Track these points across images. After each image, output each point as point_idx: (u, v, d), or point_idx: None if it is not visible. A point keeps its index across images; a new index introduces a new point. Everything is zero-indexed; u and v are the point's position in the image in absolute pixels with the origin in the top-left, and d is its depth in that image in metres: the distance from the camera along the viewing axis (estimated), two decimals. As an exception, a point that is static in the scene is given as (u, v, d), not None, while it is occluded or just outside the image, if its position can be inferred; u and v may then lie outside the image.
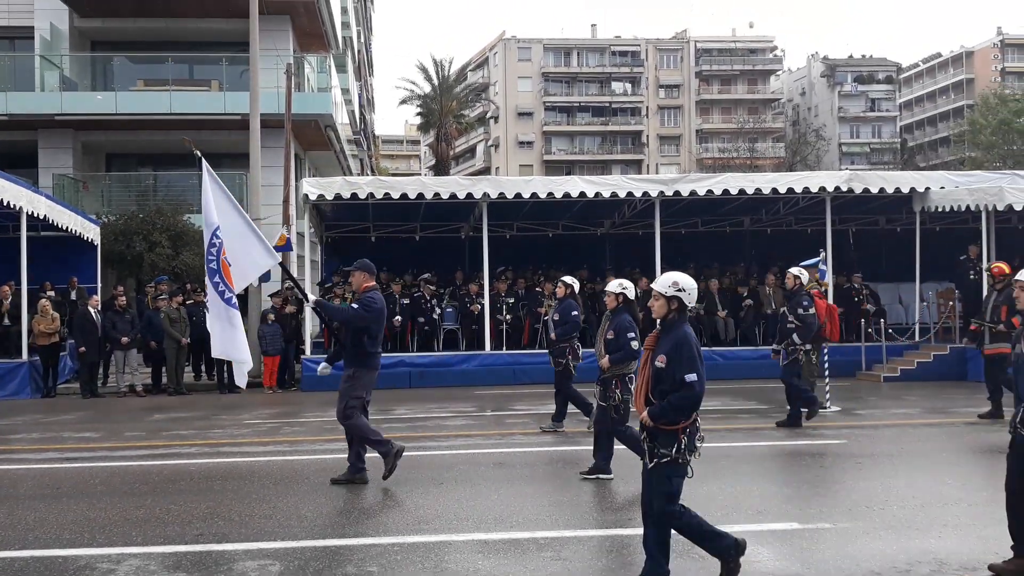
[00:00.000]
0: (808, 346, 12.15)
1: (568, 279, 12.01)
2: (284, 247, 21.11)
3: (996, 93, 69.20)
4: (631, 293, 9.03)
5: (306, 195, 17.34)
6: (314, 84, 31.16)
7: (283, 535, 7.02)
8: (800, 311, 12.04)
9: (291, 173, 23.67)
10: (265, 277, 19.59)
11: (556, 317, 11.76)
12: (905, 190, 18.25)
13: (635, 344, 8.52)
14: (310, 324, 18.88)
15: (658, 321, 5.71)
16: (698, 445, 5.52)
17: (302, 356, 18.19)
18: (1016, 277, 5.90)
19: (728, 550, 5.55)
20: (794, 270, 12.42)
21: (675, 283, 5.63)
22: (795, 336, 12.01)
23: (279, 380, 18.10)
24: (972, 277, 17.59)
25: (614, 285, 9.16)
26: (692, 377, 5.38)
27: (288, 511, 7.81)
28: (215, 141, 27.15)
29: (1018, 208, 16.42)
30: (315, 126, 27.55)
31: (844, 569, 5.92)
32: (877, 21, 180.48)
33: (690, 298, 5.63)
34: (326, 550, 6.61)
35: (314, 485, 8.92)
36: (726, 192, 17.92)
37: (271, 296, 19.12)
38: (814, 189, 18.13)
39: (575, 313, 11.59)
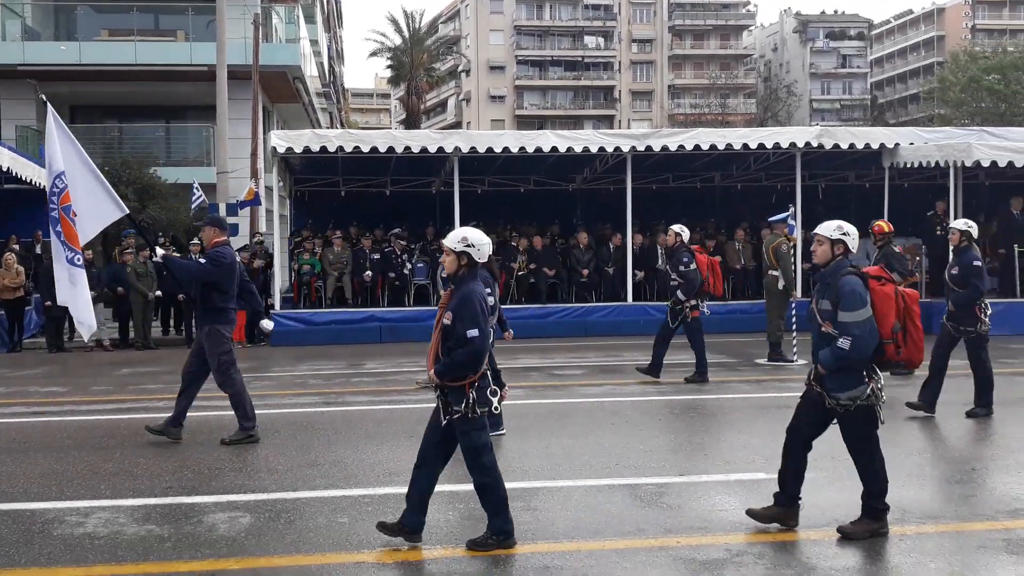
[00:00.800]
0: (693, 301, 11.90)
1: (677, 228, 12.14)
2: (252, 201, 21.02)
3: (966, 50, 69.43)
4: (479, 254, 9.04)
5: (274, 148, 17.12)
6: (282, 35, 30.70)
7: (253, 487, 7.03)
8: (681, 268, 11.87)
9: (259, 126, 23.40)
10: (232, 231, 19.44)
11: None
12: (875, 146, 18.33)
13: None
14: (279, 279, 18.76)
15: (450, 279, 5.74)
16: (492, 400, 5.52)
17: (271, 311, 18.08)
18: (815, 231, 5.91)
19: (498, 532, 5.56)
20: (675, 227, 12.19)
21: (464, 239, 5.65)
22: (679, 293, 11.87)
23: (248, 334, 18.00)
24: (939, 233, 17.75)
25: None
26: (473, 332, 5.39)
27: (258, 464, 7.82)
28: (181, 93, 26.74)
29: (986, 164, 16.56)
30: (283, 78, 27.18)
31: (809, 517, 6.03)
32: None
33: (480, 253, 5.63)
34: (297, 502, 6.63)
35: (284, 438, 8.92)
36: (697, 148, 17.92)
37: (239, 250, 18.91)
38: (784, 144, 18.17)
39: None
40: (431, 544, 5.66)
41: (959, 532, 5.81)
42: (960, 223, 9.93)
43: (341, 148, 17.08)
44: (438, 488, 5.81)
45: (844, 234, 5.80)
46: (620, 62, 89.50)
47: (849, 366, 5.65)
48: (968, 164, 16.59)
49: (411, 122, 61.19)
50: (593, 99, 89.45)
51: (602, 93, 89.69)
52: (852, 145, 18.17)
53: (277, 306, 18.04)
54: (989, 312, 9.44)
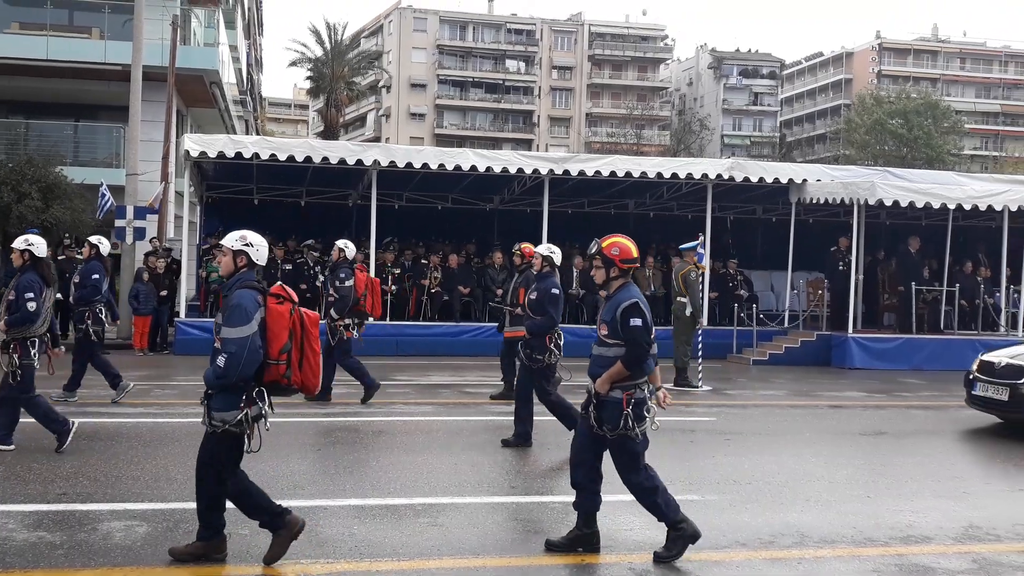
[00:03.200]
0: (347, 320, 11.42)
1: (340, 243, 11.56)
2: (152, 209, 20.43)
3: (872, 94, 72.20)
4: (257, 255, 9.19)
5: (187, 151, 16.76)
6: (201, 39, 30.12)
7: (151, 496, 6.83)
8: (338, 283, 11.43)
9: (172, 129, 22.87)
10: (140, 234, 18.93)
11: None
12: (783, 180, 18.88)
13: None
14: (186, 286, 18.33)
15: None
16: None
17: (176, 318, 17.64)
18: (221, 241, 5.62)
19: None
20: (340, 242, 11.71)
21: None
22: (332, 311, 11.42)
23: (151, 342, 17.53)
24: (841, 268, 18.38)
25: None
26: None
27: (157, 473, 7.60)
28: (94, 91, 25.98)
29: (888, 203, 17.20)
30: (200, 82, 26.62)
31: (711, 539, 6.13)
32: (764, 17, 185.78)
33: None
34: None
35: (185, 447, 8.67)
36: (613, 174, 18.19)
37: (146, 254, 18.45)
38: (697, 175, 18.58)
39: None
40: (335, 557, 5.57)
41: (854, 556, 5.98)
42: (543, 248, 9.61)
43: (257, 155, 16.82)
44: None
45: (247, 244, 5.50)
46: (540, 87, 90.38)
47: (226, 385, 5.25)
48: (871, 202, 17.20)
49: (329, 135, 60.58)
50: (512, 122, 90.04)
51: (521, 117, 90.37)
52: (762, 179, 18.68)
53: (183, 314, 17.61)
54: (561, 343, 9.09)
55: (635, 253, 5.98)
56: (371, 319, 12.35)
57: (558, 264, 9.54)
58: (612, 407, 5.67)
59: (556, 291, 9.14)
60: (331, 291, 11.58)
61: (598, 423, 5.73)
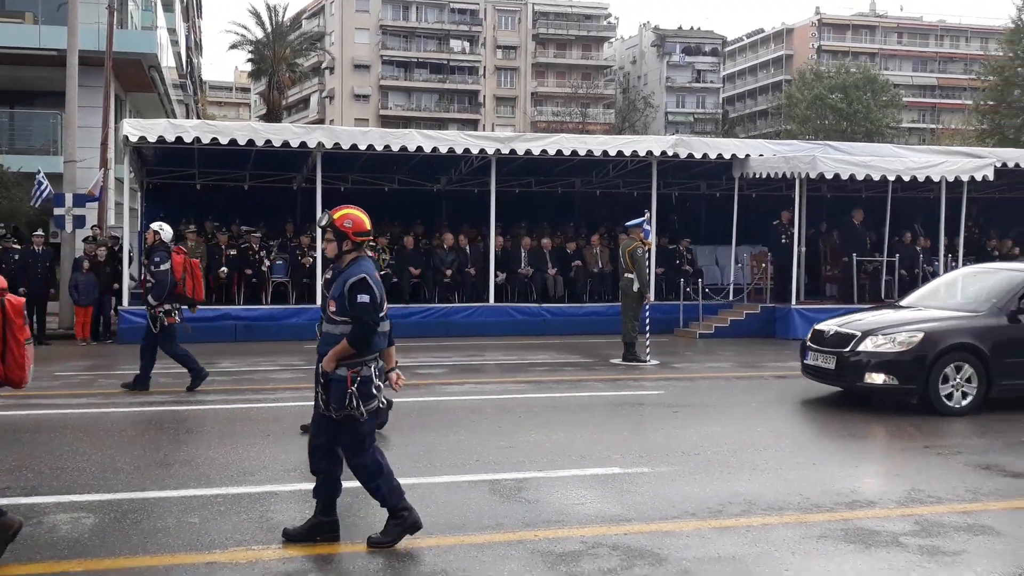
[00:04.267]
0: (167, 306, 10.94)
1: (156, 225, 11.15)
2: (93, 197, 20.02)
3: (812, 70, 73.14)
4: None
5: (126, 137, 16.42)
6: (138, 22, 29.52)
7: (98, 487, 6.73)
8: (153, 268, 10.94)
9: (110, 114, 22.37)
10: (79, 223, 18.55)
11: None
12: (727, 156, 19.07)
13: None
14: (128, 274, 18.01)
15: None
16: None
17: (119, 307, 17.34)
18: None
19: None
20: (154, 225, 11.20)
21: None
22: (149, 296, 10.98)
23: (93, 332, 17.22)
24: (784, 241, 18.67)
25: None
26: None
27: (103, 463, 7.49)
28: (28, 77, 25.36)
29: (829, 176, 17.48)
30: (138, 66, 26.07)
31: (661, 510, 6.22)
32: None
33: (166, 234, 5.36)
34: (145, 502, 6.39)
35: (130, 437, 8.59)
36: (559, 153, 18.21)
37: (84, 241, 18.08)
38: (642, 153, 18.68)
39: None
40: (282, 543, 5.55)
41: (801, 522, 6.10)
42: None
43: (198, 139, 16.55)
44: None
45: None
46: (485, 67, 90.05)
47: None
48: (812, 176, 17.46)
49: (272, 117, 59.71)
50: (458, 102, 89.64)
51: (467, 97, 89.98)
52: (705, 155, 18.86)
53: (125, 302, 17.31)
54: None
55: (368, 226, 5.70)
56: (197, 305, 11.78)
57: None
58: (337, 386, 5.47)
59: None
60: (148, 276, 11.15)
61: (325, 403, 5.55)
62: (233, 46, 63.50)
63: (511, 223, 20.77)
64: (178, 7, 42.74)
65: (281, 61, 60.46)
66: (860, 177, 17.64)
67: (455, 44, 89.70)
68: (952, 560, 5.39)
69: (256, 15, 62.01)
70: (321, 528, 5.59)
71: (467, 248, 19.35)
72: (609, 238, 20.54)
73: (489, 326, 17.96)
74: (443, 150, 17.64)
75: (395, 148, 17.39)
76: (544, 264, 19.65)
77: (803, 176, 17.57)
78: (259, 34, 62.06)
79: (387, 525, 5.56)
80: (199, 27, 62.54)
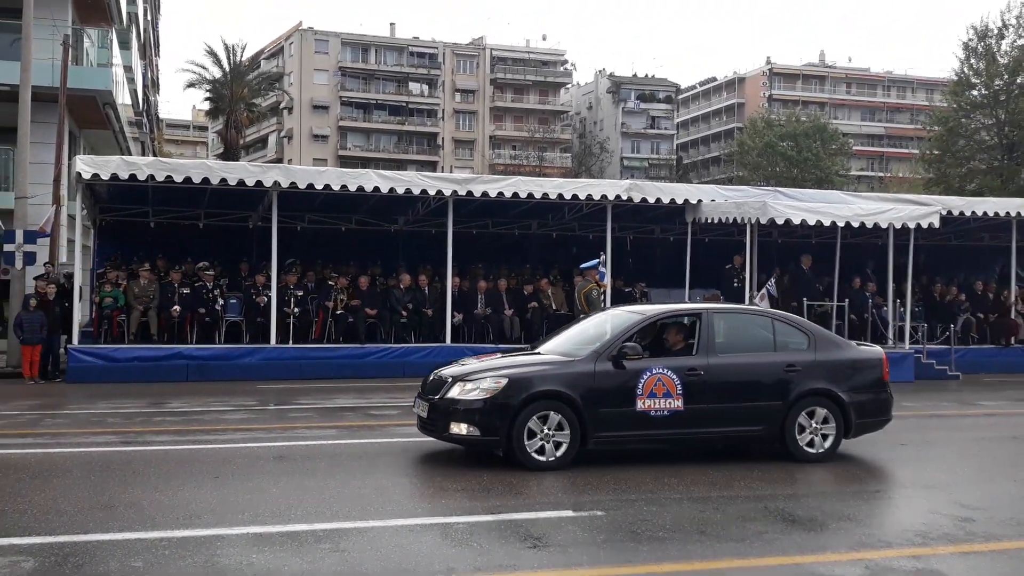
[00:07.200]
0: None
1: None
2: (44, 233, 19.75)
3: (763, 118, 74.60)
4: None
5: (79, 173, 16.25)
6: (94, 59, 29.24)
7: (39, 530, 6.57)
8: None
9: (64, 150, 22.12)
10: (30, 259, 18.26)
11: None
12: (680, 201, 19.33)
13: None
14: (79, 312, 17.73)
15: None
16: None
17: (69, 346, 17.03)
18: None
19: None
20: None
21: None
22: None
23: (42, 370, 16.87)
24: (735, 285, 18.91)
25: None
26: None
27: (45, 505, 7.32)
28: (-21, 112, 25.04)
29: (780, 222, 17.77)
30: (93, 103, 25.84)
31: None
32: (660, 41, 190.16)
33: None
34: (87, 545, 6.25)
35: (76, 479, 8.41)
36: (516, 195, 18.32)
37: (36, 279, 17.78)
38: (597, 196, 18.88)
39: None
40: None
41: (754, 567, 6.12)
42: None
43: (152, 177, 16.43)
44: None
45: None
46: (444, 110, 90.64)
47: None
48: (763, 221, 17.75)
49: (230, 156, 59.41)
50: (417, 144, 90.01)
51: (426, 139, 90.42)
52: (659, 200, 19.10)
53: (75, 340, 17.02)
54: None
55: None
56: None
57: None
58: None
59: None
60: None
61: None
62: (190, 84, 63.30)
63: (468, 264, 20.81)
64: (135, 45, 42.53)
65: (239, 100, 60.38)
66: (811, 223, 17.95)
67: (414, 87, 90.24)
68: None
69: (213, 55, 61.98)
70: None
71: (425, 288, 19.34)
72: (564, 279, 20.66)
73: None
74: (400, 190, 17.68)
75: (352, 188, 17.40)
76: (501, 305, 19.69)
77: (754, 221, 17.85)
78: (217, 73, 61.98)
79: None
80: (156, 65, 62.28)
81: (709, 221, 19.20)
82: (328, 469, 9.04)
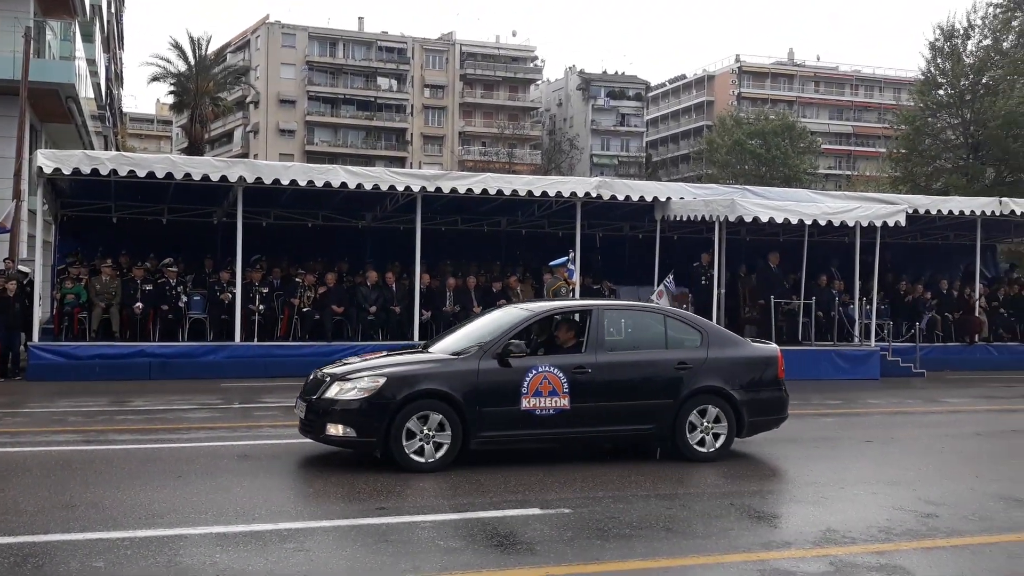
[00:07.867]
0: None
1: None
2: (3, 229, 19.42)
3: (732, 116, 74.98)
4: None
5: (40, 168, 15.99)
6: (56, 52, 28.84)
7: (-3, 531, 6.44)
8: None
9: (25, 144, 21.78)
10: (-11, 255, 17.93)
11: None
12: (648, 198, 19.37)
13: None
14: (39, 309, 17.44)
15: None
16: None
17: (29, 343, 16.75)
18: None
19: None
20: None
21: None
22: None
23: (1, 368, 16.58)
24: (703, 282, 19.00)
25: None
26: None
27: (5, 505, 7.17)
28: (-64, 104, 24.56)
29: (748, 220, 17.84)
30: (55, 96, 25.47)
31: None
32: (631, 40, 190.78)
33: None
34: (47, 545, 6.13)
35: (36, 478, 8.25)
36: (485, 192, 18.25)
37: (-6, 275, 17.45)
38: (566, 193, 18.86)
39: None
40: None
41: (718, 563, 6.13)
42: None
43: (115, 172, 16.19)
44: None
45: None
46: (413, 105, 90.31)
47: None
48: (731, 219, 17.81)
49: (194, 151, 58.69)
50: (385, 140, 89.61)
51: (394, 135, 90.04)
52: (628, 197, 19.13)
53: (35, 338, 16.73)
54: None
55: None
56: None
57: None
58: None
59: None
60: None
61: None
62: (155, 78, 62.51)
63: (437, 261, 20.72)
64: (98, 38, 41.95)
65: (204, 94, 59.72)
66: (778, 221, 18.04)
67: (383, 82, 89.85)
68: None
69: (178, 48, 61.23)
70: None
71: (392, 286, 19.22)
72: (533, 277, 20.63)
73: (412, 364, 17.83)
74: (368, 186, 17.56)
75: (319, 184, 17.25)
76: (470, 302, 19.62)
77: (723, 219, 17.92)
78: (182, 67, 61.27)
79: None
80: (120, 58, 61.46)
81: (678, 219, 19.26)
82: (293, 468, 8.95)
